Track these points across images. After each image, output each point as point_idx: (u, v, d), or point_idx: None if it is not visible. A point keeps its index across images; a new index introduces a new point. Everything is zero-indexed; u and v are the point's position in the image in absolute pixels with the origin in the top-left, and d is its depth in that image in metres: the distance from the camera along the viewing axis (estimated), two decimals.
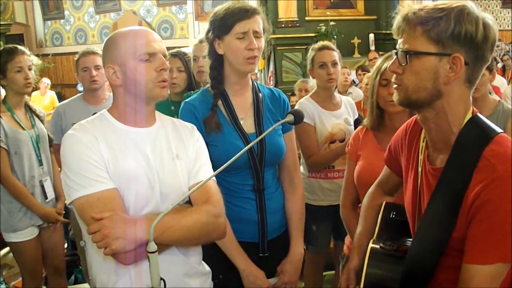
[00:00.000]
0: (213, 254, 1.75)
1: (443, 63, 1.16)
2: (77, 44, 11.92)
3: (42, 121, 2.86)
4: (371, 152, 2.07)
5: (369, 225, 1.59)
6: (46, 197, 2.77)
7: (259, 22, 1.81)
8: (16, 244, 2.74)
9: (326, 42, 2.92)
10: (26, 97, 2.84)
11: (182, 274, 1.51)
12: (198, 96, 1.93)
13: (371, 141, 2.12)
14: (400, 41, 1.22)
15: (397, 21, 1.21)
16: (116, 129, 1.48)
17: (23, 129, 2.70)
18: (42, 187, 2.76)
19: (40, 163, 2.76)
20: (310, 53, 2.85)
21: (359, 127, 2.24)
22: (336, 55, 2.80)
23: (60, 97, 8.22)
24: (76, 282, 3.63)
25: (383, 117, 2.06)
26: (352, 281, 1.55)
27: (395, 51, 1.23)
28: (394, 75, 1.24)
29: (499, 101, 2.83)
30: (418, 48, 1.17)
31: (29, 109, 2.82)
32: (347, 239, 2.22)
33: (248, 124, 1.88)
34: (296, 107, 2.80)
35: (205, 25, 1.95)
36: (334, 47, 2.86)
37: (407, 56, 1.18)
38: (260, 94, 1.94)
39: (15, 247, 2.78)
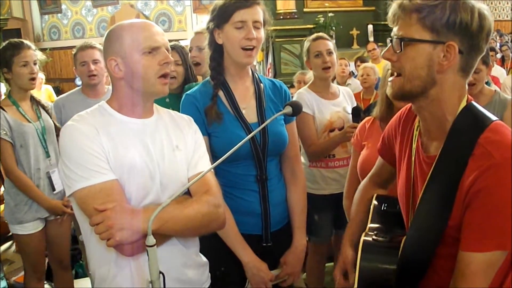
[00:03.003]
0: (214, 246, 1.75)
1: (437, 51, 1.16)
2: (74, 38, 11.87)
3: (48, 113, 2.85)
4: (376, 142, 2.08)
5: (361, 218, 1.58)
6: (53, 189, 2.76)
7: (259, 12, 1.81)
8: (21, 236, 2.76)
9: (320, 33, 2.97)
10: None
11: (180, 264, 1.52)
12: (199, 87, 1.93)
13: (377, 131, 2.14)
14: (395, 28, 1.22)
15: (392, 8, 1.21)
16: (116, 120, 1.47)
17: (29, 121, 2.69)
18: (50, 179, 2.75)
19: (47, 155, 2.75)
20: (306, 45, 2.89)
21: (366, 118, 2.26)
22: (330, 44, 2.84)
23: (58, 91, 8.19)
24: (77, 276, 3.62)
25: (392, 109, 2.07)
26: (350, 276, 1.50)
27: (389, 38, 1.23)
28: (390, 64, 1.24)
29: (495, 90, 2.81)
30: (413, 35, 1.17)
31: (35, 101, 2.81)
32: None
33: (250, 114, 1.88)
34: (294, 98, 2.80)
35: (203, 18, 1.96)
36: (328, 37, 2.90)
37: (402, 43, 1.18)
38: (261, 84, 1.94)
39: (19, 239, 2.80)
